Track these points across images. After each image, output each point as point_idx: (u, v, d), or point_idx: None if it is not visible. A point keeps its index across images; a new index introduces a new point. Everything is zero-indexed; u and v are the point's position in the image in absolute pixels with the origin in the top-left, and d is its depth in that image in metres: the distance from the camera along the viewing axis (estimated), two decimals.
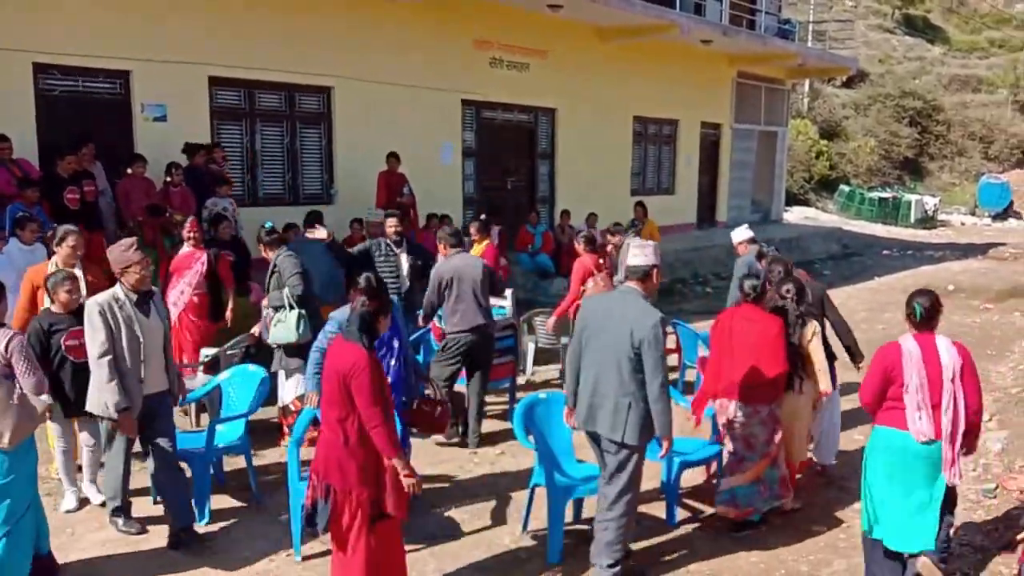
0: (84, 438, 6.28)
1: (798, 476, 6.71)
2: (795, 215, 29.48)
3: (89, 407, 5.51)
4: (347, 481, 4.46)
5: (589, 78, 17.38)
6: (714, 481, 6.67)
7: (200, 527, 5.96)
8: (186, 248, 8.55)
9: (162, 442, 5.65)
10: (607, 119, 18.33)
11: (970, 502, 6.57)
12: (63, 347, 5.82)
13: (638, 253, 5.24)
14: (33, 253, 8.22)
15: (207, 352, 8.11)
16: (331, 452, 4.51)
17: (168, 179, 10.33)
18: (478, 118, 15.69)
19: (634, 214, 14.53)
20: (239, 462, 6.81)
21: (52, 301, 5.94)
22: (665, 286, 6.43)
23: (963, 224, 33.59)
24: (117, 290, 5.48)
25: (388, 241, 8.58)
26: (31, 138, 9.85)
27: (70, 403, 5.92)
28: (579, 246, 9.27)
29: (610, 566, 5.23)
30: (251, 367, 7.03)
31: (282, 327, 7.41)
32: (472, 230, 10.59)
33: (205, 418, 7.76)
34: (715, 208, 22.68)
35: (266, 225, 7.95)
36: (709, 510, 6.48)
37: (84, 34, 10.25)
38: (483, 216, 11.40)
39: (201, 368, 7.90)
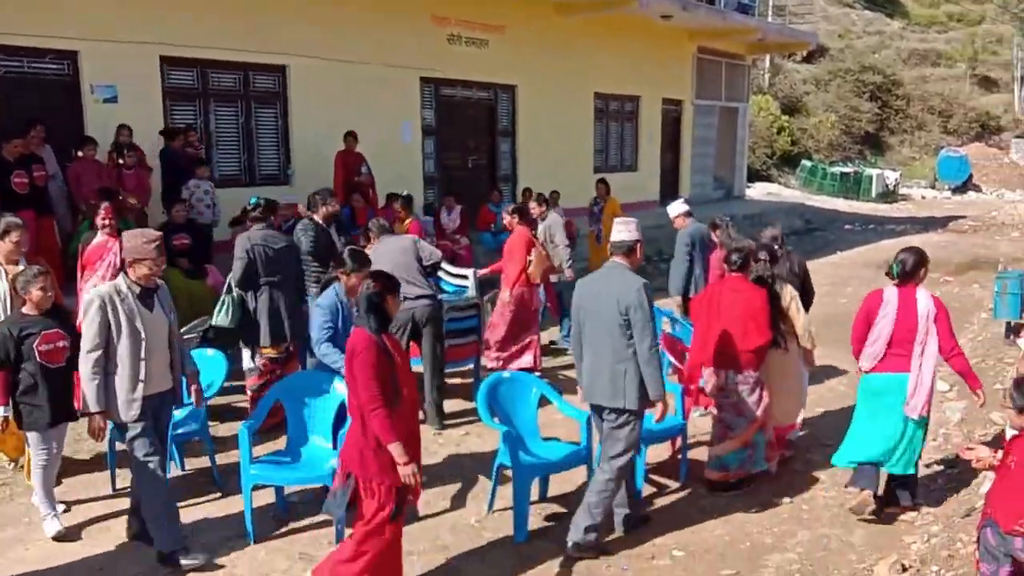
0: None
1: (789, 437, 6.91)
2: (757, 191, 29.60)
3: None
4: (367, 470, 4.38)
5: (549, 54, 17.27)
6: (679, 456, 6.67)
7: None
8: (99, 237, 7.70)
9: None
10: (568, 96, 18.23)
11: (930, 471, 6.62)
12: (37, 353, 5.36)
13: (622, 229, 5.43)
14: None
15: None
16: (353, 440, 4.44)
17: (120, 161, 10.13)
18: (437, 96, 15.53)
19: (596, 192, 14.42)
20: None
21: (23, 302, 5.54)
22: None
23: (923, 198, 33.95)
24: (120, 281, 5.14)
25: (318, 221, 8.41)
26: None
27: (47, 412, 5.43)
28: (511, 219, 9.17)
29: (587, 528, 5.28)
30: (208, 351, 6.93)
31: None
32: (396, 207, 10.59)
33: None
34: (678, 185, 22.67)
35: (251, 200, 7.70)
36: (674, 484, 6.49)
37: (29, 13, 9.96)
38: (406, 192, 11.38)
39: None
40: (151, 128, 10.83)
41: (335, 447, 5.64)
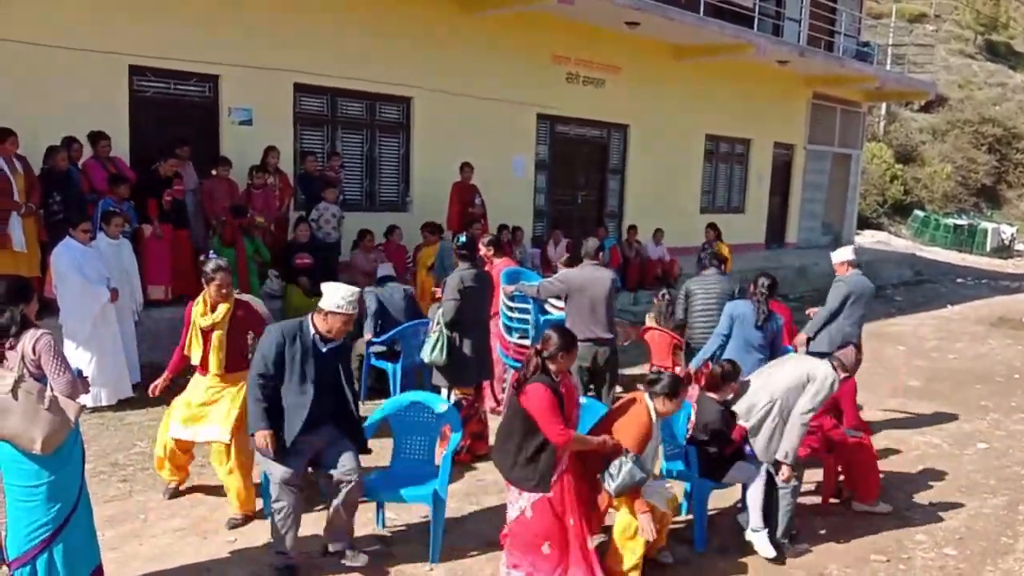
0: None
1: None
2: (867, 239, 29.09)
3: None
4: None
5: (663, 95, 17.44)
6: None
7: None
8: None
9: None
10: (679, 136, 18.35)
11: None
12: None
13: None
14: (119, 247, 8.52)
15: None
16: None
17: (250, 181, 10.65)
18: (552, 132, 15.83)
19: (705, 236, 14.31)
20: None
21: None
22: None
23: None
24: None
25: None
26: (124, 137, 10.19)
27: None
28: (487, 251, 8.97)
29: None
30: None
31: (425, 346, 7.45)
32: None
33: None
34: (785, 229, 22.56)
35: (460, 240, 7.66)
36: None
37: (178, 39, 10.56)
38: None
39: None
40: (283, 151, 11.36)
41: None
